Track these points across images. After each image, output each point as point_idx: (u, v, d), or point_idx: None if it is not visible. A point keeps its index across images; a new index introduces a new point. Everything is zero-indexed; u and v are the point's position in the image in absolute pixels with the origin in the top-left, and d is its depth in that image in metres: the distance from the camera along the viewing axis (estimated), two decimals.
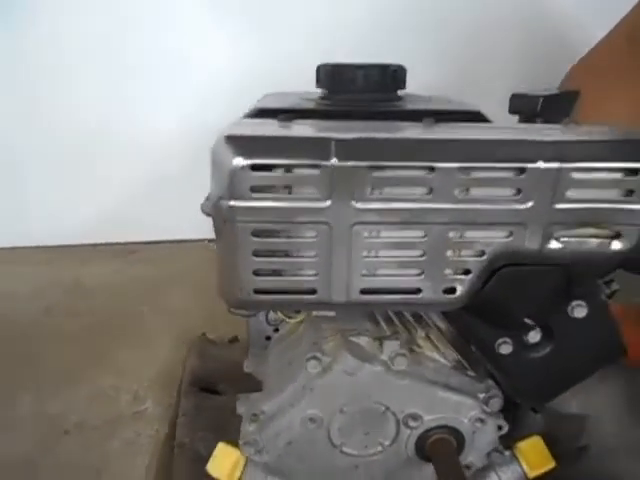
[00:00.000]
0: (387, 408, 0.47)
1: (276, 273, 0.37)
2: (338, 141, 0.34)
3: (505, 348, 0.46)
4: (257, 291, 0.37)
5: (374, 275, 0.37)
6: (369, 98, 0.46)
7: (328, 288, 0.37)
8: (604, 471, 0.57)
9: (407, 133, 0.36)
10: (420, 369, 0.48)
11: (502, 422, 0.49)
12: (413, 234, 0.36)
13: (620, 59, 0.73)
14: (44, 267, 1.15)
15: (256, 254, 0.36)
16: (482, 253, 0.37)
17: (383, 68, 0.47)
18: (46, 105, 1.18)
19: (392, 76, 0.47)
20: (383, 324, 0.49)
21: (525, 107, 0.60)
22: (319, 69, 0.48)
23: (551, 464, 0.49)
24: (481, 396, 0.48)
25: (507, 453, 0.51)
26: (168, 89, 1.19)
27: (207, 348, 0.78)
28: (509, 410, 0.50)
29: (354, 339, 0.47)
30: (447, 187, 0.35)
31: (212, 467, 0.50)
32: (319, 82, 0.48)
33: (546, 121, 0.44)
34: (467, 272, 0.38)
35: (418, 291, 0.38)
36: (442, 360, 0.49)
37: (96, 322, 0.89)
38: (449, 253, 0.37)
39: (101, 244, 1.28)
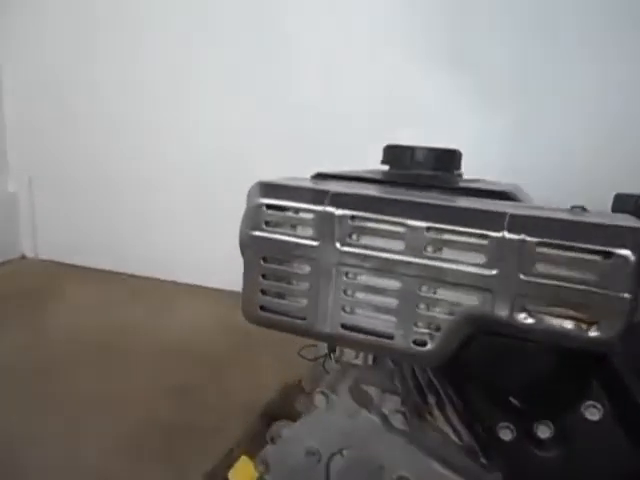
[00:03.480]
0: (382, 466, 0.48)
1: (278, 296, 0.45)
2: (333, 194, 0.42)
3: (505, 434, 0.44)
4: (262, 308, 0.45)
5: (353, 313, 0.42)
6: (414, 174, 0.53)
7: (315, 317, 0.43)
8: None
9: (394, 195, 0.42)
10: (422, 435, 0.48)
11: None
12: (388, 282, 0.40)
13: None
14: None
15: (265, 276, 0.45)
16: (452, 312, 0.39)
17: (432, 150, 0.53)
18: None
19: (444, 155, 0.53)
20: (397, 382, 0.51)
21: (627, 208, 0.59)
22: (384, 149, 0.56)
23: None
24: None
25: None
26: None
27: (295, 393, 0.86)
28: None
29: (364, 386, 0.51)
30: (417, 243, 0.39)
31: (232, 475, 0.57)
32: (383, 159, 0.56)
33: None
34: (438, 329, 0.40)
35: (391, 337, 0.41)
36: (453, 437, 0.49)
37: None
38: (421, 306, 0.40)
39: None
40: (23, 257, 1.73)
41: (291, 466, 0.52)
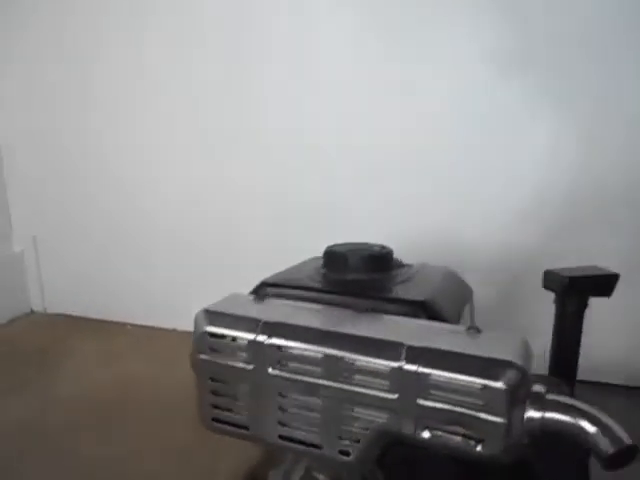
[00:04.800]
0: None
1: (227, 409, 0.51)
2: (264, 323, 0.48)
3: None
4: (214, 419, 0.52)
5: (288, 426, 0.48)
6: (350, 280, 0.59)
7: (257, 429, 0.50)
8: None
9: (319, 323, 0.48)
10: None
11: None
12: (314, 401, 0.47)
13: None
14: None
15: (213, 393, 0.51)
16: (367, 428, 0.45)
17: (368, 251, 0.59)
18: None
19: (375, 258, 0.59)
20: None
21: (555, 285, 0.65)
22: (324, 253, 0.62)
23: None
24: None
25: None
26: None
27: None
28: None
29: (315, 473, 0.57)
30: (334, 370, 0.45)
31: None
32: (323, 263, 0.63)
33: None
34: (357, 441, 0.46)
35: (320, 447, 0.47)
36: None
37: None
38: (343, 422, 0.46)
39: None
40: (32, 312, 1.82)
41: None
